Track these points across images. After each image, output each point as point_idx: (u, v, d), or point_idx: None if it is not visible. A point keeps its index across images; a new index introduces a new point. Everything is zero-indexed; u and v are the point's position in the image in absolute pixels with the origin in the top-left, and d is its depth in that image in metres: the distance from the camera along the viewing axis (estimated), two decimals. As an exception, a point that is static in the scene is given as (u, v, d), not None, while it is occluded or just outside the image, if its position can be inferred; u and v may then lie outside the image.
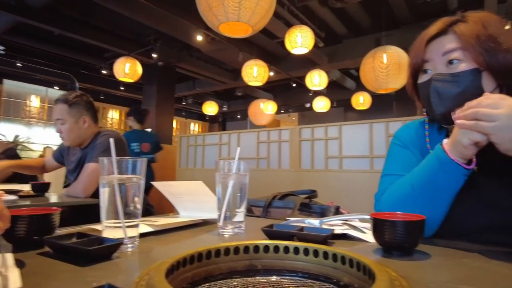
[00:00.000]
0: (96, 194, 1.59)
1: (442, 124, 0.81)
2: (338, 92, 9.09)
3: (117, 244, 0.56)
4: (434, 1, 4.85)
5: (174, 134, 8.89)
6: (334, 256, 0.57)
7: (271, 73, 6.34)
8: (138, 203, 0.66)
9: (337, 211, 1.01)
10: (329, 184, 2.47)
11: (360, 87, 5.79)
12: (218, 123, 13.49)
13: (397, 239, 0.59)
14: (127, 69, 4.86)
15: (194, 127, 13.11)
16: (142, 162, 0.67)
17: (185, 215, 1.04)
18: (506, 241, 0.70)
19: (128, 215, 0.64)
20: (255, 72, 4.81)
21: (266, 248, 0.62)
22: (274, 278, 0.60)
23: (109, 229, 0.64)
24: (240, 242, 0.62)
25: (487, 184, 0.74)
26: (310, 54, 5.35)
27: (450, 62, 0.75)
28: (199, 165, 3.54)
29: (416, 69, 0.83)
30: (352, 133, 2.45)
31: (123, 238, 0.62)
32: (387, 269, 0.49)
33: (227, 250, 0.60)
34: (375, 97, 7.15)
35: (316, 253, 0.59)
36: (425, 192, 0.72)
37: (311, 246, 0.60)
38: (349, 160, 2.44)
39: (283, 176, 2.72)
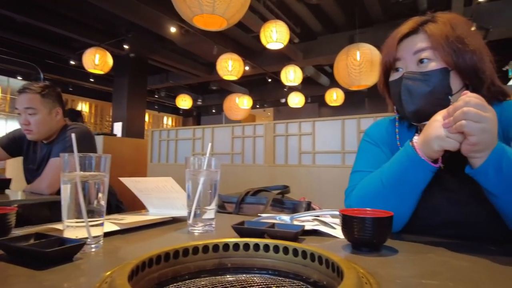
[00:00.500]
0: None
1: (413, 122, 0.83)
2: (313, 88, 9.20)
3: (79, 245, 0.53)
4: (405, 2, 4.99)
5: (146, 128, 8.68)
6: (304, 253, 0.56)
7: (247, 68, 6.32)
8: (102, 200, 0.63)
9: (309, 207, 1.02)
10: (302, 179, 2.50)
11: (334, 83, 5.88)
12: (193, 117, 13.30)
13: (365, 235, 0.60)
14: (97, 60, 4.68)
15: (167, 120, 12.85)
16: (107, 158, 0.64)
17: (154, 213, 1.02)
18: (467, 235, 0.73)
19: (92, 213, 0.61)
20: (230, 66, 4.77)
21: (236, 246, 0.61)
22: (244, 276, 0.59)
23: (71, 228, 0.61)
24: (209, 241, 0.60)
25: (451, 181, 0.77)
26: (285, 49, 5.36)
27: (421, 61, 0.77)
28: (172, 160, 3.48)
29: (387, 67, 0.84)
30: (325, 129, 2.48)
31: (86, 238, 0.60)
32: (355, 266, 0.49)
33: (195, 249, 0.59)
34: (348, 93, 7.29)
35: (286, 250, 0.59)
36: (395, 188, 0.74)
37: (281, 243, 0.60)
38: (322, 155, 2.47)
39: (258, 171, 2.72)
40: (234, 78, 4.95)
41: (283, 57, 6.44)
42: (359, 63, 4.33)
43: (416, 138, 0.72)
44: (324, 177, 2.39)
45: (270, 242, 0.61)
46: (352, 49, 4.36)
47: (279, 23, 3.72)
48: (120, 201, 1.85)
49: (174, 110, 12.58)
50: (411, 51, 0.78)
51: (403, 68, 0.80)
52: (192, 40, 5.82)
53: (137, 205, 1.15)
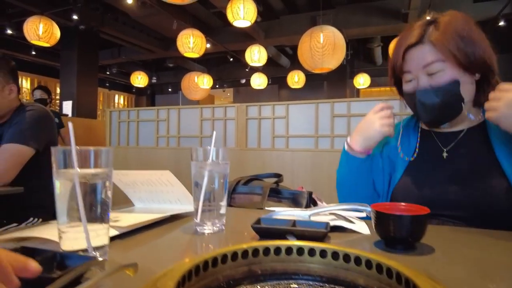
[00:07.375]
0: (18, 181, 1.33)
1: (429, 127, 0.90)
2: (273, 70, 9.15)
3: (91, 262, 0.43)
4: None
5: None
6: (347, 257, 0.52)
7: (208, 45, 6.07)
8: (108, 199, 0.53)
9: (310, 197, 0.98)
10: (274, 163, 2.47)
11: (295, 65, 5.89)
12: (146, 95, 12.65)
13: (402, 233, 0.57)
14: (42, 31, 4.19)
15: (119, 99, 12.10)
16: (109, 152, 0.53)
17: (142, 207, 0.91)
18: (468, 216, 0.77)
19: (95, 219, 0.51)
20: (191, 43, 4.53)
21: (267, 250, 0.55)
22: (281, 283, 0.53)
23: (67, 234, 0.50)
24: (237, 247, 0.53)
25: (454, 168, 0.83)
26: (247, 28, 5.21)
27: (431, 72, 0.79)
28: (133, 142, 3.27)
29: (397, 73, 0.87)
30: (298, 113, 2.45)
31: (87, 251, 0.49)
32: (420, 274, 0.45)
33: (224, 258, 0.51)
34: (308, 76, 7.35)
35: (323, 253, 0.54)
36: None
37: (318, 246, 0.54)
38: (295, 139, 2.45)
39: (229, 155, 2.63)
40: (195, 55, 4.73)
41: (244, 36, 6.28)
42: (322, 46, 4.33)
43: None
44: (297, 161, 2.38)
45: (304, 244, 0.55)
46: (316, 31, 4.35)
47: (247, 0, 3.57)
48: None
49: (126, 88, 11.85)
50: (420, 65, 0.79)
51: (414, 79, 0.82)
52: (148, 13, 5.44)
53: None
